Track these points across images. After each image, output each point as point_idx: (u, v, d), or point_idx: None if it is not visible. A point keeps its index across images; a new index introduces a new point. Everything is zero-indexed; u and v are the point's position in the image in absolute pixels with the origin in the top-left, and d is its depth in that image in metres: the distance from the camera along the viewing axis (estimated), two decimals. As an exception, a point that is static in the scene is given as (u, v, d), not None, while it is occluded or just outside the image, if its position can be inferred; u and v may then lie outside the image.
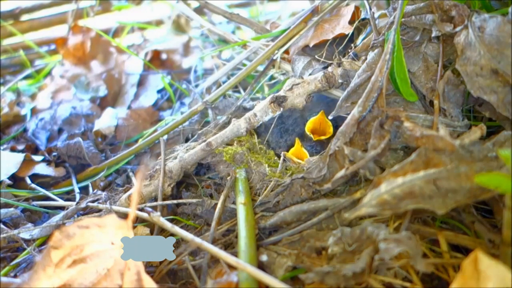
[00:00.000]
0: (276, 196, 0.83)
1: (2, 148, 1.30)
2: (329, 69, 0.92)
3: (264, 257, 0.71)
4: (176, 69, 1.72)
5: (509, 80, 0.70)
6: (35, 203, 1.04)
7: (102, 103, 1.52)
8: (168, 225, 0.73)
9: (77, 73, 1.65)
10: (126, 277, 0.62)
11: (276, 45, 1.06)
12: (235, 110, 1.07)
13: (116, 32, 1.94)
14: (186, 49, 1.83)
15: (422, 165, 0.67)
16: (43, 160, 1.22)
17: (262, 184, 0.87)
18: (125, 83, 1.61)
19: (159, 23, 2.02)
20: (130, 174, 1.13)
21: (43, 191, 1.08)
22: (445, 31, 0.81)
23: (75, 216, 0.95)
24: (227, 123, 1.02)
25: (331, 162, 0.78)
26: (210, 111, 1.11)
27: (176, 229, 0.72)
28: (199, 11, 1.67)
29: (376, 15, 1.05)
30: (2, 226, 0.96)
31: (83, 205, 0.94)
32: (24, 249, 0.89)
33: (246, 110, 1.06)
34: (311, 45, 1.02)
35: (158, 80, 1.55)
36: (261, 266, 0.70)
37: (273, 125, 1.01)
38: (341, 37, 1.01)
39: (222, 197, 0.85)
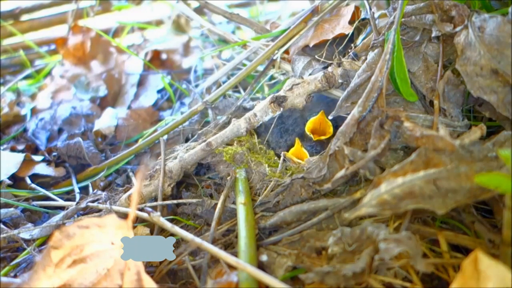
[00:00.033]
0: (276, 196, 0.83)
1: (2, 148, 1.30)
2: (329, 69, 0.92)
3: (264, 257, 0.71)
4: (176, 69, 1.72)
5: (509, 80, 0.70)
6: (35, 203, 1.04)
7: (102, 103, 1.52)
8: (168, 225, 0.73)
9: (77, 73, 1.65)
10: (126, 277, 0.62)
11: (276, 45, 1.06)
12: (235, 110, 1.07)
13: (116, 32, 1.94)
14: (186, 49, 1.83)
15: (422, 165, 0.67)
16: (43, 160, 1.22)
17: (262, 184, 0.87)
18: (125, 83, 1.61)
19: (159, 23, 2.02)
20: (130, 174, 1.13)
21: (43, 191, 1.08)
22: (445, 31, 0.81)
23: (75, 216, 0.95)
24: (227, 123, 1.02)
25: (331, 162, 0.78)
26: (210, 111, 1.11)
27: (176, 229, 0.72)
28: (199, 11, 1.67)
29: (376, 15, 1.05)
30: (2, 226, 0.96)
31: (83, 205, 0.95)
32: (24, 249, 0.89)
33: (246, 110, 1.06)
34: (311, 45, 1.02)
35: (158, 80, 1.55)
36: (261, 266, 0.70)
37: (273, 125, 1.01)
38: (341, 37, 1.01)
39: (222, 197, 0.85)
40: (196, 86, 1.41)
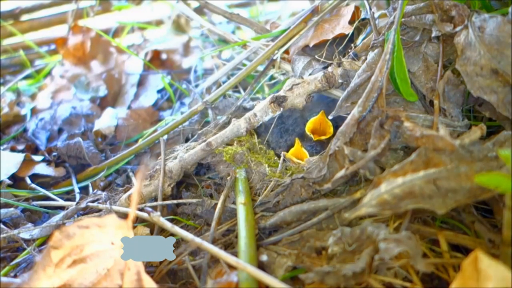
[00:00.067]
0: (276, 196, 0.83)
1: (2, 148, 1.30)
2: (329, 69, 0.92)
3: (264, 257, 0.71)
4: (176, 69, 1.72)
5: (509, 80, 0.70)
6: (35, 203, 1.04)
7: (102, 103, 1.52)
8: (168, 225, 0.73)
9: (77, 73, 1.65)
10: (126, 277, 0.62)
11: (276, 45, 1.06)
12: (235, 110, 1.07)
13: (116, 32, 1.94)
14: (186, 49, 1.83)
15: (422, 165, 0.67)
16: (43, 160, 1.22)
17: (262, 184, 0.87)
18: (125, 83, 1.61)
19: (159, 23, 2.02)
20: (130, 174, 1.13)
21: (43, 191, 1.08)
22: (445, 31, 0.81)
23: (75, 216, 0.95)
24: (227, 123, 1.02)
25: (331, 162, 0.78)
26: (210, 111, 1.11)
27: (176, 229, 0.72)
28: (199, 11, 1.67)
29: (376, 15, 1.05)
30: (2, 226, 0.96)
31: (83, 205, 0.94)
32: (24, 249, 0.89)
33: (246, 110, 1.06)
34: (311, 45, 1.02)
35: (158, 80, 1.55)
36: (261, 266, 0.70)
37: (273, 125, 1.01)
38: (341, 37, 1.01)
39: (222, 197, 0.85)
40: (196, 86, 1.41)
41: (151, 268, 0.79)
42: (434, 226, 0.74)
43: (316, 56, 1.01)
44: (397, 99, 0.86)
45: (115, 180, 1.14)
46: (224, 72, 1.23)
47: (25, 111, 1.52)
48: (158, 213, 0.76)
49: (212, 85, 1.25)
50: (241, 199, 0.81)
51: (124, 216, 0.84)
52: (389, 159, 0.79)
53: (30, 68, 1.82)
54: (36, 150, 1.31)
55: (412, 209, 0.65)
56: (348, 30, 0.97)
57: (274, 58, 1.06)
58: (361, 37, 1.01)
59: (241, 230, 0.73)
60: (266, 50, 1.06)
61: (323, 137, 0.93)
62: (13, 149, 1.28)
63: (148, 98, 1.50)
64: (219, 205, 0.84)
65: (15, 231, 0.90)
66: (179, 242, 0.83)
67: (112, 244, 0.64)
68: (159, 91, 1.53)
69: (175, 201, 0.92)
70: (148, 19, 2.01)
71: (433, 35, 0.83)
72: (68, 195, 1.12)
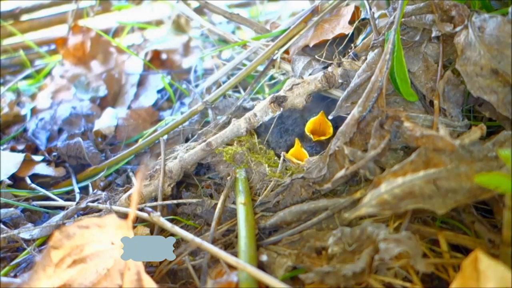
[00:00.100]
0: (276, 196, 0.83)
1: (2, 148, 1.30)
2: (329, 69, 0.92)
3: (264, 257, 0.71)
4: (176, 69, 1.72)
5: (509, 80, 0.70)
6: (35, 203, 1.04)
7: (102, 103, 1.52)
8: (168, 225, 0.73)
9: (77, 73, 1.65)
10: (126, 277, 0.62)
11: (276, 45, 1.06)
12: (235, 110, 1.07)
13: (116, 32, 1.94)
14: (186, 49, 1.83)
15: (422, 165, 0.67)
16: (43, 160, 1.22)
17: (262, 184, 0.87)
18: (125, 83, 1.61)
19: (159, 23, 2.02)
20: (130, 174, 1.13)
21: (43, 191, 1.08)
22: (445, 31, 0.81)
23: (75, 216, 0.95)
24: (227, 123, 1.02)
25: (331, 162, 0.78)
26: (210, 111, 1.11)
27: (176, 229, 0.72)
28: (199, 11, 1.67)
29: (376, 15, 1.05)
30: (2, 226, 0.96)
31: (83, 205, 0.94)
32: (24, 249, 0.89)
33: (246, 110, 1.06)
34: (311, 45, 1.02)
35: (158, 80, 1.55)
36: (261, 266, 0.70)
37: (273, 125, 1.01)
38: (341, 37, 1.01)
39: (222, 197, 0.85)
40: (196, 86, 1.41)
41: (151, 268, 0.79)
42: (434, 226, 0.74)
43: (316, 56, 1.01)
44: (397, 99, 0.86)
45: (115, 180, 1.14)
46: (224, 72, 1.23)
47: (25, 111, 1.52)
48: (158, 213, 0.76)
49: (212, 85, 1.25)
50: (241, 199, 0.81)
51: (124, 216, 0.84)
52: (389, 159, 0.79)
53: (30, 68, 1.82)
54: (36, 150, 1.31)
55: (412, 209, 0.65)
56: (348, 30, 0.97)
57: (274, 58, 1.06)
58: (361, 37, 1.01)
59: (241, 230, 0.73)
60: (266, 50, 1.06)
61: (323, 138, 0.93)
62: (13, 149, 1.28)
63: (148, 98, 1.50)
64: (219, 205, 0.84)
65: (15, 231, 0.90)
66: (179, 242, 0.83)
67: (112, 244, 0.64)
68: (159, 91, 1.53)
69: (175, 201, 0.92)
70: (148, 19, 2.01)
71: (433, 35, 0.83)
72: (68, 195, 1.12)
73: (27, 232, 0.91)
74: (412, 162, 0.68)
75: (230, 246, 0.80)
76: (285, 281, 0.66)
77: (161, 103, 1.51)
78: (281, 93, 0.92)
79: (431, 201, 0.63)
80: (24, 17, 1.95)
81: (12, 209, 1.02)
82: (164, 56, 1.79)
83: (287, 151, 0.94)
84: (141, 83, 1.60)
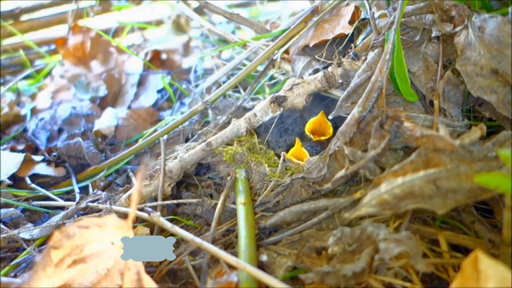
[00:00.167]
0: (276, 196, 0.83)
1: (2, 148, 1.30)
2: (329, 69, 0.92)
3: (264, 257, 0.71)
4: (176, 69, 1.72)
5: (509, 80, 0.70)
6: (35, 203, 1.04)
7: (102, 103, 1.52)
8: (168, 225, 0.73)
9: (77, 73, 1.65)
10: (126, 277, 0.62)
11: (276, 45, 1.06)
12: (235, 110, 1.07)
13: (116, 32, 1.94)
14: (186, 49, 1.83)
15: (422, 165, 0.67)
16: (43, 160, 1.22)
17: (262, 184, 0.87)
18: (125, 83, 1.61)
19: (159, 23, 2.02)
20: (130, 174, 1.13)
21: (43, 191, 1.08)
22: (445, 31, 0.81)
23: (75, 216, 0.95)
24: (227, 123, 1.02)
25: (331, 162, 0.78)
26: (210, 111, 1.11)
27: (176, 229, 0.72)
28: (199, 11, 1.67)
29: (376, 15, 1.05)
30: (2, 226, 0.96)
31: (83, 205, 0.95)
32: (24, 249, 0.89)
33: (246, 110, 1.06)
34: (311, 45, 1.02)
35: (158, 80, 1.55)
36: (261, 266, 0.70)
37: (273, 125, 1.01)
38: (341, 37, 1.01)
39: (222, 197, 0.85)
40: (196, 86, 1.41)
41: (151, 268, 0.79)
42: (434, 226, 0.74)
43: (316, 56, 1.01)
44: (397, 99, 0.86)
45: (115, 180, 1.14)
46: (224, 72, 1.23)
47: (25, 111, 1.52)
48: (158, 213, 0.76)
49: (212, 85, 1.25)
50: (241, 199, 0.81)
51: (124, 216, 0.84)
52: (389, 159, 0.79)
53: (30, 68, 1.82)
54: (36, 150, 1.31)
55: (412, 209, 0.65)
56: (348, 30, 0.97)
57: (274, 58, 1.06)
58: (361, 37, 1.01)
59: (241, 230, 0.73)
60: (266, 50, 1.06)
61: (322, 138, 0.93)
62: (13, 149, 1.28)
63: (148, 98, 1.50)
64: (219, 205, 0.84)
65: (15, 231, 0.90)
66: (179, 242, 0.83)
67: (112, 244, 0.64)
68: (159, 91, 1.53)
69: (175, 201, 0.92)
70: (148, 19, 2.01)
71: (433, 35, 0.83)
72: (68, 195, 1.12)
73: (27, 232, 0.91)
74: (412, 162, 0.68)
75: (230, 246, 0.80)
76: (285, 281, 0.66)
77: (161, 103, 1.51)
78: (281, 93, 0.92)
79: (431, 201, 0.63)
80: (24, 17, 1.95)
81: (12, 209, 1.02)
82: (164, 56, 1.79)
83: (287, 151, 0.94)
84: (141, 83, 1.60)
